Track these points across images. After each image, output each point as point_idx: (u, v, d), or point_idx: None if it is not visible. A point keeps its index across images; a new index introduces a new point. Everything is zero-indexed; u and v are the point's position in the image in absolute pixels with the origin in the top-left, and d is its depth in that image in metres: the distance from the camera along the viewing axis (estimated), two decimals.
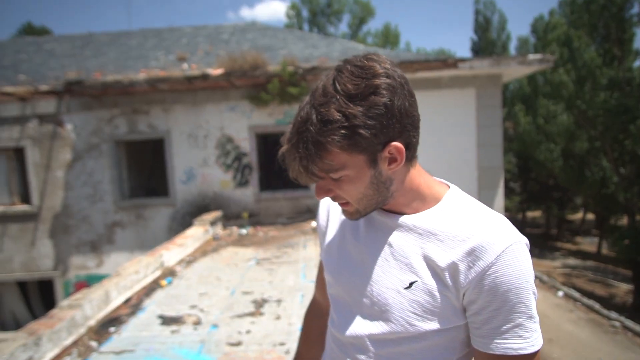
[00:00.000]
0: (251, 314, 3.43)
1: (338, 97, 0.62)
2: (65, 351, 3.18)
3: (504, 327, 0.64)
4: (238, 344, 2.94)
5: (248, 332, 3.11)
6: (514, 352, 0.64)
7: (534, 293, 0.65)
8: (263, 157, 8.00)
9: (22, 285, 8.37)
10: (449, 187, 0.78)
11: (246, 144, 7.43)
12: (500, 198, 7.25)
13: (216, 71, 6.79)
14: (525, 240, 0.67)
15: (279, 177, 10.84)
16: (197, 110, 7.40)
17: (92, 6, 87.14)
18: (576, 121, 14.62)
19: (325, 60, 7.34)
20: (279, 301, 3.68)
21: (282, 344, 2.90)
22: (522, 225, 25.08)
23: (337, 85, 0.63)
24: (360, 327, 0.75)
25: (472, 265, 0.66)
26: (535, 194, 22.72)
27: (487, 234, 0.66)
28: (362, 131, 0.62)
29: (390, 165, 0.68)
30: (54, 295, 7.79)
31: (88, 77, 7.32)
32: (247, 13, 71.39)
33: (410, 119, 0.68)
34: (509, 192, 22.72)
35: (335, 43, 9.45)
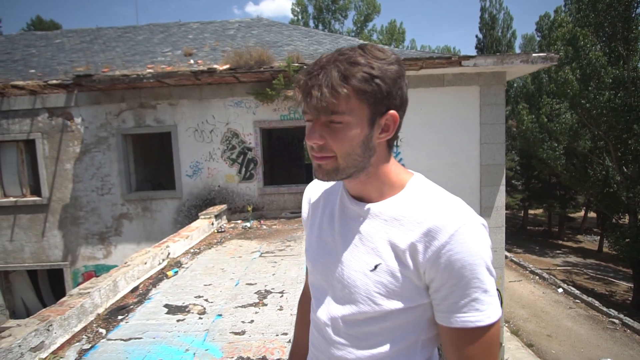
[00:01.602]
0: (255, 305, 3.53)
1: (366, 55, 0.70)
2: (75, 337, 3.30)
3: (462, 302, 0.69)
4: (242, 332, 3.04)
5: (252, 321, 3.22)
6: (472, 325, 0.68)
7: (488, 269, 0.69)
8: (267, 152, 8.09)
9: (32, 274, 8.56)
10: (413, 174, 0.83)
11: (251, 138, 7.52)
12: (502, 195, 7.29)
13: (222, 66, 6.86)
14: (480, 221, 0.72)
15: (283, 171, 10.98)
16: (203, 105, 7.49)
17: (99, 1, 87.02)
18: (580, 120, 14.57)
19: None
20: (282, 292, 3.78)
21: (284, 333, 3.00)
22: (523, 223, 25.04)
23: (366, 50, 0.71)
24: (334, 309, 0.80)
25: (428, 245, 0.70)
26: (537, 192, 22.69)
27: (442, 216, 0.71)
28: (379, 81, 0.69)
29: (381, 134, 0.74)
30: (63, 284, 7.97)
31: (96, 71, 7.42)
32: (252, 9, 71.06)
33: (406, 104, 0.76)
34: (511, 190, 22.68)
35: (340, 40, 9.49)
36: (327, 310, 0.82)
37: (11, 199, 7.87)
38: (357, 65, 0.68)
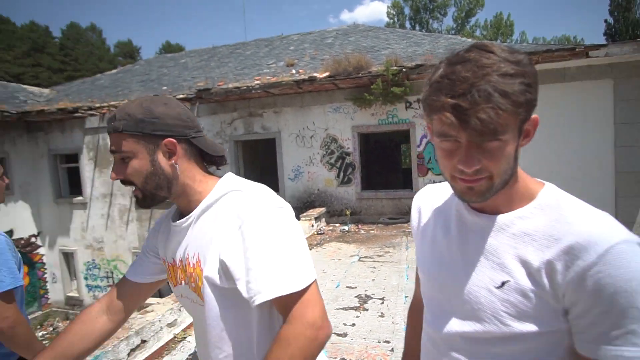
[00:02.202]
0: (355, 308, 3.56)
1: (506, 61, 0.60)
2: None
3: (614, 332, 0.59)
4: (344, 335, 3.09)
5: (353, 325, 3.26)
6: None
7: None
8: (364, 156, 8.14)
9: None
10: (544, 185, 0.73)
11: (349, 143, 7.66)
12: None
13: (322, 74, 7.14)
14: (636, 240, 0.60)
15: (380, 176, 10.91)
16: (304, 112, 7.90)
17: (215, 23, 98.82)
18: None
19: (430, 58, 7.13)
20: (382, 299, 3.75)
21: (386, 341, 2.96)
22: None
23: (499, 52, 0.62)
24: (453, 325, 0.75)
25: (569, 265, 0.62)
26: None
27: (586, 232, 0.62)
28: (531, 90, 0.61)
29: (523, 141, 0.66)
30: None
31: (213, 85, 8.39)
32: (347, 16, 72.56)
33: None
34: None
35: (440, 39, 9.08)
36: (445, 325, 0.77)
37: None
38: (510, 77, 0.60)
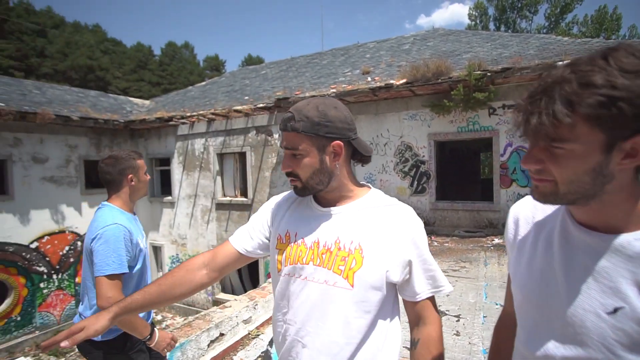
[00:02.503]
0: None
1: (608, 68, 0.56)
2: (271, 318, 3.88)
3: None
4: None
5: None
6: None
7: None
8: (440, 165, 7.77)
9: None
10: None
11: (425, 151, 7.39)
12: None
13: (399, 81, 7.02)
14: None
15: (456, 186, 10.35)
16: (378, 120, 7.82)
17: (293, 35, 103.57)
18: None
19: (519, 60, 6.59)
20: (458, 317, 3.52)
21: None
22: None
23: (610, 59, 0.57)
24: (552, 347, 0.71)
25: None
26: None
27: None
28: (622, 105, 0.55)
29: (623, 160, 0.59)
30: (257, 271, 9.62)
31: (291, 94, 8.75)
32: (423, 21, 70.62)
33: None
34: None
35: (531, 39, 8.34)
36: (542, 347, 0.73)
37: (228, 198, 10.04)
38: (591, 87, 0.56)
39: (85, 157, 10.10)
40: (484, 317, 3.50)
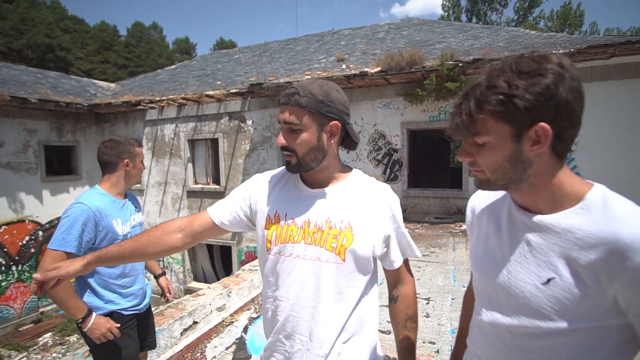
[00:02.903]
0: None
1: (510, 72, 0.70)
2: (246, 306, 3.87)
3: None
4: (388, 332, 3.04)
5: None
6: None
7: None
8: (412, 153, 7.93)
9: (210, 248, 10.51)
10: (593, 185, 0.77)
11: (397, 140, 7.50)
12: None
13: (373, 69, 7.04)
14: None
15: (426, 174, 10.61)
16: (353, 108, 7.82)
17: (267, 20, 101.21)
18: None
19: (489, 51, 6.76)
20: (427, 299, 3.65)
21: (431, 342, 2.88)
22: None
23: (514, 64, 0.71)
24: (500, 317, 0.81)
25: (617, 266, 0.64)
26: None
27: (632, 232, 0.64)
28: (517, 101, 0.68)
29: (533, 147, 0.71)
30: (231, 259, 9.54)
31: (265, 80, 8.58)
32: (398, 10, 70.84)
33: (568, 111, 0.69)
34: None
35: (501, 31, 8.57)
36: (492, 317, 0.83)
37: (200, 185, 9.83)
38: (493, 89, 0.70)
39: (45, 142, 9.55)
40: (452, 299, 3.65)
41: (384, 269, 1.16)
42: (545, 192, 0.75)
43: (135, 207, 2.04)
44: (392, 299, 1.16)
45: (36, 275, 0.98)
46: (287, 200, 1.09)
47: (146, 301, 2.02)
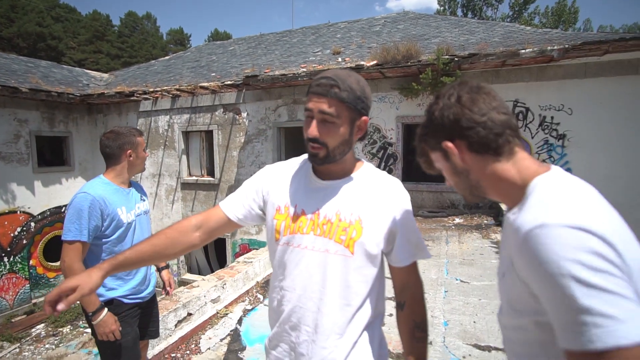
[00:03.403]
0: (393, 299, 3.53)
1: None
2: (240, 297, 3.89)
3: (561, 321, 0.58)
4: (382, 324, 3.08)
5: (390, 315, 3.23)
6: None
7: (579, 281, 0.55)
8: (406, 147, 7.95)
9: None
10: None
11: (392, 134, 7.52)
12: None
13: (369, 63, 7.02)
14: (565, 222, 0.59)
15: (420, 168, 10.59)
16: None
17: (262, 12, 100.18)
18: None
19: (485, 46, 6.77)
20: None
21: None
22: None
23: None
24: (500, 315, 0.85)
25: (520, 258, 0.66)
26: None
27: (521, 219, 0.66)
28: (425, 138, 0.87)
29: (455, 158, 0.82)
30: (225, 251, 9.54)
31: (260, 72, 8.53)
32: (393, 4, 70.42)
33: (452, 122, 0.78)
34: None
35: (496, 27, 8.58)
36: (499, 316, 0.87)
37: (194, 177, 9.78)
38: (418, 135, 0.90)
39: (37, 132, 9.42)
40: (445, 291, 3.69)
41: (391, 270, 1.11)
42: (499, 191, 0.78)
43: (141, 196, 2.03)
44: (399, 306, 1.11)
45: (60, 307, 0.91)
46: (298, 191, 1.08)
47: (149, 289, 2.01)
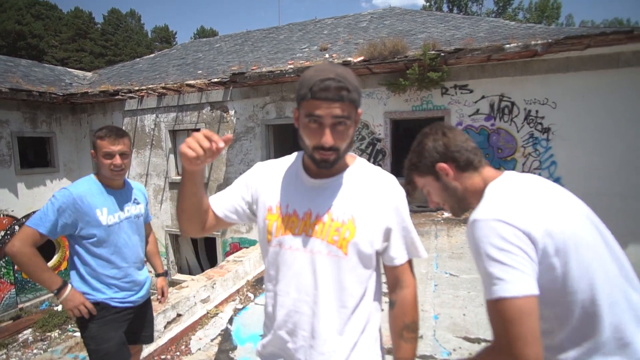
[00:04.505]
0: (384, 294, 3.56)
1: (411, 154, 1.15)
2: (231, 297, 3.87)
3: (483, 284, 0.90)
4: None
5: (382, 310, 3.25)
6: None
7: (488, 256, 0.85)
8: (394, 143, 7.98)
9: (194, 240, 10.40)
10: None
11: (381, 129, 7.54)
12: None
13: (356, 58, 7.01)
14: (490, 216, 0.88)
15: None
16: None
17: (248, 8, 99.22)
18: None
19: (470, 42, 6.82)
20: None
21: None
22: None
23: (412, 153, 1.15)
24: None
25: (468, 241, 0.95)
26: None
27: (473, 216, 0.92)
28: (419, 166, 1.11)
29: (447, 177, 1.07)
30: (215, 251, 9.47)
31: (247, 69, 8.45)
32: (379, 0, 70.41)
33: (442, 149, 1.05)
34: None
35: (481, 22, 8.65)
36: None
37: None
38: (408, 165, 1.16)
39: (18, 133, 9.18)
40: (435, 285, 3.73)
41: (385, 268, 1.08)
42: (478, 199, 0.98)
43: (134, 199, 1.97)
44: (390, 304, 1.08)
45: (222, 145, 0.95)
46: (289, 191, 1.04)
47: (141, 294, 1.96)
